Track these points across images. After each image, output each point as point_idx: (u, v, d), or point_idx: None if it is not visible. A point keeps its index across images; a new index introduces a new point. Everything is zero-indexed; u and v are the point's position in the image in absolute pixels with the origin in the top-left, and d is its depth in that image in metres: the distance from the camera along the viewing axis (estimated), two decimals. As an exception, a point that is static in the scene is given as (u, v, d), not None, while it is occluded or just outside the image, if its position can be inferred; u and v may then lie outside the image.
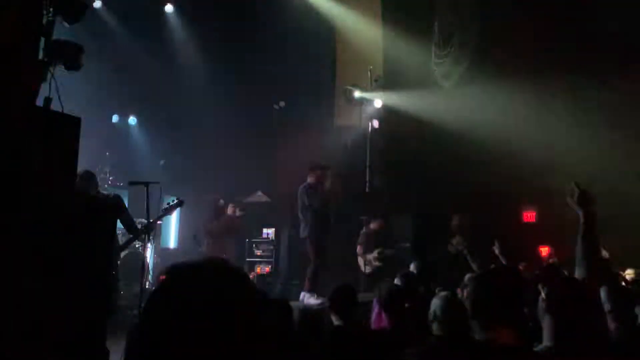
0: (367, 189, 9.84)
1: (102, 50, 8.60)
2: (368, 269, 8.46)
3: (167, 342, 0.91)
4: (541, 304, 2.41)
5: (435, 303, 3.19)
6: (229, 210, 8.04)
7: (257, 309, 1.00)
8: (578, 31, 9.79)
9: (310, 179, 6.91)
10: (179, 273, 0.97)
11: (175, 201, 6.00)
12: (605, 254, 5.21)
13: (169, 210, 6.00)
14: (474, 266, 5.79)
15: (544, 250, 8.79)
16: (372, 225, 8.76)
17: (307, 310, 3.42)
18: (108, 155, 9.64)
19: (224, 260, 1.02)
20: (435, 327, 3.13)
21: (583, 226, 2.76)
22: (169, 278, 0.98)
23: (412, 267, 5.24)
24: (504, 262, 6.09)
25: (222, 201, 8.14)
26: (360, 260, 8.54)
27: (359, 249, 8.50)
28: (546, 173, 10.32)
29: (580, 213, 2.83)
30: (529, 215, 10.49)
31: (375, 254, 8.36)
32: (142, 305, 0.95)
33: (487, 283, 2.19)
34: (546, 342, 2.27)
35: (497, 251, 6.42)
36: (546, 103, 10.14)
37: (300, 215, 6.81)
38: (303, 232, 6.75)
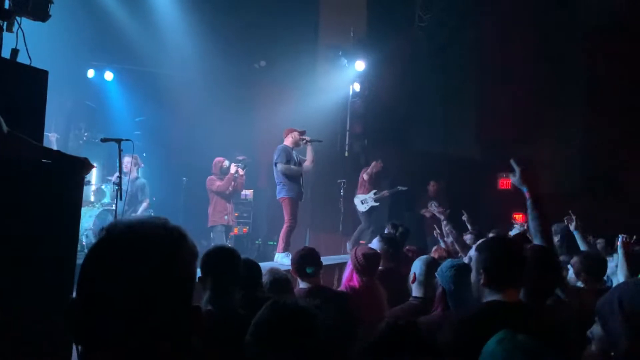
0: (346, 153, 9.86)
1: (79, 4, 8.29)
2: (363, 208, 8.78)
3: (99, 308, 0.93)
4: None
5: (416, 265, 3.24)
6: (232, 170, 8.03)
7: (192, 272, 1.02)
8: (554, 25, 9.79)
9: (286, 142, 6.88)
10: (115, 235, 0.98)
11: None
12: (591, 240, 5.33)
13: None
14: (446, 229, 5.85)
15: (518, 217, 8.96)
16: (371, 168, 8.96)
17: (275, 271, 3.43)
18: (83, 110, 9.43)
19: (164, 222, 1.02)
20: (415, 288, 3.19)
21: (530, 205, 2.80)
22: (104, 240, 0.99)
23: (387, 229, 5.29)
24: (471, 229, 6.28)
25: (226, 162, 8.13)
26: (357, 200, 8.78)
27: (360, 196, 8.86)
28: (524, 140, 10.47)
29: (525, 191, 2.86)
30: (505, 183, 10.65)
31: (371, 194, 8.77)
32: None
33: (500, 251, 2.28)
34: None
35: (466, 220, 6.64)
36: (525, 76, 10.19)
37: (275, 177, 6.80)
38: (279, 193, 6.76)
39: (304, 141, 6.89)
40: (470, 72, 10.70)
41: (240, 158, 8.37)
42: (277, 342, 1.57)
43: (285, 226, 6.64)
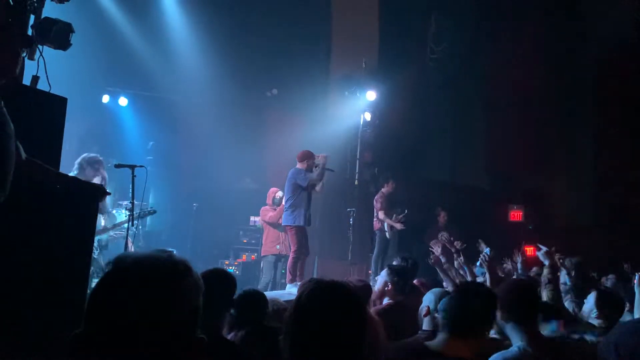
0: (356, 182, 9.86)
1: (95, 31, 8.49)
2: (389, 234, 8.56)
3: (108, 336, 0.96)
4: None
5: (429, 298, 3.21)
6: (284, 201, 8.11)
7: (196, 304, 1.05)
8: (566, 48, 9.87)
9: (300, 166, 6.93)
10: (121, 268, 1.03)
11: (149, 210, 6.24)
12: None
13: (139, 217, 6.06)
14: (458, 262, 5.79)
15: (529, 250, 8.87)
16: (385, 189, 8.78)
17: (274, 302, 3.41)
18: (97, 135, 9.55)
19: (169, 255, 1.06)
20: (426, 322, 3.15)
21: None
22: (112, 273, 1.03)
23: (396, 261, 5.25)
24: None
25: (280, 193, 8.20)
26: (387, 226, 8.55)
27: (380, 214, 8.54)
28: (534, 172, 10.46)
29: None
30: (516, 215, 10.59)
31: (401, 217, 8.45)
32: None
33: (461, 297, 2.34)
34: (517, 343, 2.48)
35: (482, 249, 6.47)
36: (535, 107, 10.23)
37: (285, 201, 6.83)
38: (286, 220, 6.73)
39: (317, 166, 6.90)
40: (480, 103, 10.77)
41: None
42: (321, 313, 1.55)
43: (291, 256, 6.62)
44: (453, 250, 5.64)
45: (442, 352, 2.20)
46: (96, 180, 5.32)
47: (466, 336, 2.24)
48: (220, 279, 2.72)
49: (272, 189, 8.42)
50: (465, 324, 2.25)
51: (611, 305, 3.67)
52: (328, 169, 6.96)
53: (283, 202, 8.07)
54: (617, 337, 1.59)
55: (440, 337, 2.27)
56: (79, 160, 5.54)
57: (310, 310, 1.57)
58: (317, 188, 6.96)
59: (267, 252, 8.13)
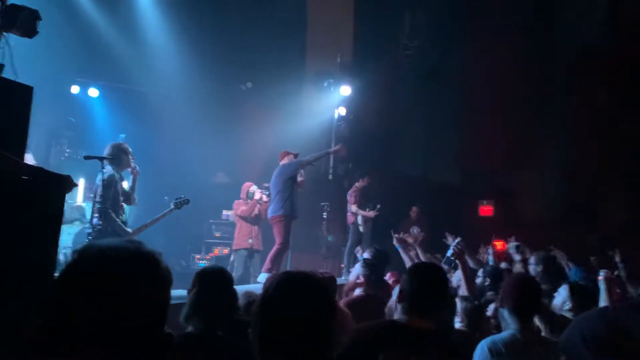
0: (330, 176, 9.89)
1: (65, 19, 8.30)
2: (363, 228, 8.64)
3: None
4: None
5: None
6: (256, 196, 8.08)
7: (164, 298, 1.02)
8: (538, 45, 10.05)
9: (282, 162, 7.07)
10: (86, 259, 0.98)
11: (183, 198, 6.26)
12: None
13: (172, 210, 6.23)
14: (423, 257, 5.87)
15: (499, 244, 9.03)
16: (360, 183, 8.85)
17: (250, 294, 3.40)
18: (66, 126, 9.36)
19: (136, 247, 1.02)
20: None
21: None
22: (74, 264, 0.98)
23: (367, 255, 5.27)
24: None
25: (253, 187, 8.22)
26: (360, 219, 8.60)
27: (354, 207, 8.63)
28: (506, 169, 10.64)
29: None
30: (486, 210, 10.77)
31: (376, 210, 8.62)
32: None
33: (414, 276, 2.48)
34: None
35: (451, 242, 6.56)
36: (507, 105, 10.39)
37: (273, 193, 6.85)
38: (276, 211, 6.73)
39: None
40: (453, 100, 10.88)
41: (266, 185, 8.38)
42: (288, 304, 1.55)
43: (276, 247, 6.64)
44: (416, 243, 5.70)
45: (408, 326, 2.31)
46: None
47: (424, 313, 2.35)
48: (218, 278, 2.73)
49: (247, 183, 8.40)
50: (421, 301, 2.36)
51: (585, 297, 3.77)
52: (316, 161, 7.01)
53: (257, 197, 8.05)
54: (583, 323, 1.64)
55: (402, 316, 2.37)
56: (109, 151, 5.35)
57: (278, 301, 1.56)
58: (299, 179, 7.00)
59: (240, 245, 8.10)
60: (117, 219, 5.09)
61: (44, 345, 0.93)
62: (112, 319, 0.93)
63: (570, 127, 10.36)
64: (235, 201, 8.40)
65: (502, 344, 2.62)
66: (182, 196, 6.43)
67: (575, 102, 10.09)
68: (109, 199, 5.04)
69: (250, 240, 8.06)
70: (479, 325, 3.44)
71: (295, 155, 7.18)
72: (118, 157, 5.32)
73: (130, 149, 5.60)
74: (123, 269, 0.96)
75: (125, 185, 5.67)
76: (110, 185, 5.06)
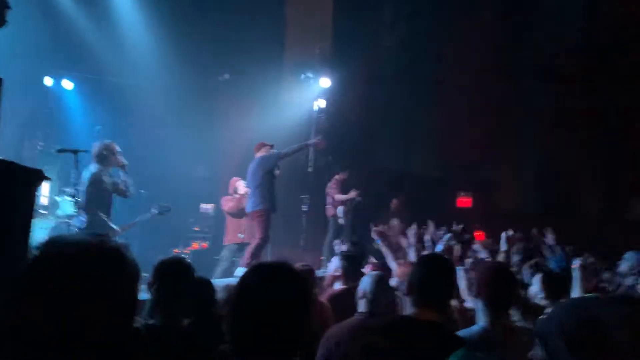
0: (310, 168, 9.86)
1: (36, 9, 8.09)
2: (342, 220, 8.71)
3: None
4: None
5: (365, 281, 3.25)
6: (241, 190, 7.98)
7: (131, 293, 0.99)
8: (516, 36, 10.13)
9: (261, 154, 6.96)
10: (47, 254, 0.95)
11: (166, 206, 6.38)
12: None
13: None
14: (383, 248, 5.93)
15: (478, 235, 9.13)
16: (339, 176, 8.92)
17: (232, 287, 3.35)
18: (39, 119, 9.15)
19: (101, 240, 0.99)
20: (363, 304, 3.18)
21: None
22: (37, 260, 0.95)
23: (346, 247, 5.29)
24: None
25: (239, 182, 8.08)
26: (340, 211, 8.59)
27: (337, 196, 8.70)
28: (484, 162, 10.74)
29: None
30: (464, 201, 10.87)
31: (357, 194, 8.78)
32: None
33: (422, 267, 2.46)
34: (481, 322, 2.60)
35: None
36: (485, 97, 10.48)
37: (253, 187, 6.77)
38: (256, 205, 6.65)
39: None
40: (432, 93, 10.93)
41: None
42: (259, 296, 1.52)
43: (256, 242, 6.57)
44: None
45: (416, 318, 2.31)
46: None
47: (433, 305, 2.34)
48: (177, 268, 2.65)
49: (234, 179, 8.30)
50: (430, 293, 2.35)
51: (556, 286, 3.82)
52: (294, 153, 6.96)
53: (242, 192, 7.98)
54: (560, 314, 1.64)
55: (410, 308, 2.36)
56: (97, 150, 5.34)
57: (252, 291, 1.55)
58: (276, 172, 6.94)
59: (231, 241, 8.06)
60: (105, 218, 5.04)
61: (8, 345, 0.90)
62: (75, 315, 0.90)
63: (548, 118, 10.50)
64: (223, 197, 8.33)
65: (474, 339, 2.55)
66: (166, 204, 6.67)
67: (552, 92, 10.22)
68: (94, 198, 4.99)
69: (241, 235, 8.01)
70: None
71: (271, 147, 7.06)
72: (105, 157, 5.26)
73: (118, 148, 5.52)
74: (85, 265, 0.93)
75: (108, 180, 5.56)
76: (95, 183, 5.00)
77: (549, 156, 10.47)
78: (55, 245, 0.96)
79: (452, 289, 2.51)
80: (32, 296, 0.91)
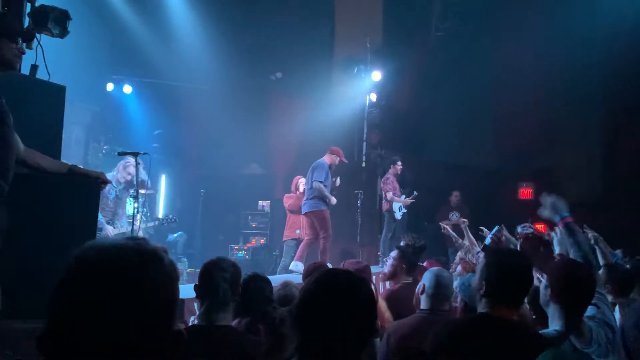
0: (363, 164, 9.81)
1: (97, 18, 8.44)
2: (399, 215, 8.63)
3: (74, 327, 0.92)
4: (543, 291, 2.48)
5: (426, 277, 3.18)
6: (300, 188, 8.18)
7: (169, 295, 0.99)
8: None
9: (327, 159, 7.16)
10: (83, 261, 0.96)
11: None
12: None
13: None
14: (466, 242, 5.78)
15: (540, 228, 8.79)
16: (393, 170, 8.82)
17: (287, 284, 3.39)
18: (102, 124, 9.55)
19: (138, 244, 1.00)
20: (423, 300, 3.12)
21: (565, 232, 2.83)
22: (73, 267, 0.96)
23: (403, 242, 5.19)
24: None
25: (301, 180, 8.20)
26: (395, 206, 8.57)
27: (388, 195, 8.59)
28: (544, 150, 10.32)
29: (558, 220, 2.90)
30: (526, 192, 10.50)
31: (412, 197, 8.71)
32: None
33: (501, 265, 2.31)
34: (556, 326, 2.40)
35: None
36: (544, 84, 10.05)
37: (308, 190, 7.01)
38: (314, 207, 6.93)
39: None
40: (487, 81, 10.57)
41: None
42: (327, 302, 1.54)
43: (323, 242, 6.73)
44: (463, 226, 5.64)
45: (495, 318, 2.23)
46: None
47: (509, 303, 2.26)
48: (224, 269, 2.66)
49: (297, 177, 8.44)
50: (506, 290, 2.26)
51: (621, 281, 3.63)
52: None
53: (299, 190, 8.08)
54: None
55: (483, 306, 2.27)
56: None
57: (316, 301, 1.56)
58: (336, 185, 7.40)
59: (289, 236, 8.23)
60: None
61: (51, 352, 0.93)
62: (117, 322, 0.92)
63: (611, 103, 9.96)
64: (285, 194, 8.51)
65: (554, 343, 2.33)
66: (171, 216, 7.28)
67: (615, 77, 9.67)
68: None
69: (298, 232, 8.14)
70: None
71: (339, 155, 7.23)
72: None
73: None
74: (122, 269, 0.95)
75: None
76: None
77: (612, 141, 9.93)
78: (92, 251, 0.97)
79: (529, 287, 2.34)
80: (70, 301, 0.93)
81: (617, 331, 1.87)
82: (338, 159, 7.23)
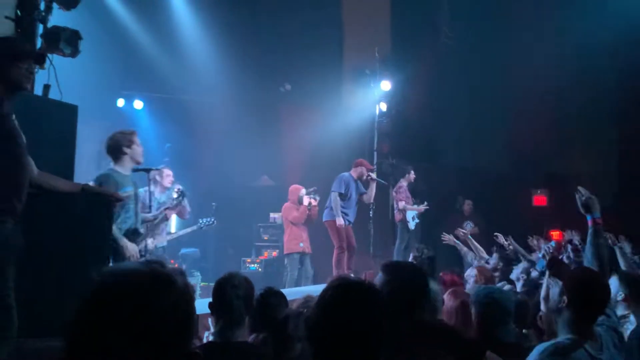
0: (374, 174, 9.75)
1: (106, 36, 8.52)
2: (413, 225, 8.64)
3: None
4: (557, 298, 2.47)
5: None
6: (305, 202, 8.12)
7: (184, 317, 1.03)
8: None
9: (353, 173, 7.34)
10: (101, 286, 1.02)
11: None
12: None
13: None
14: (478, 252, 5.74)
15: (555, 234, 8.68)
16: (405, 179, 8.81)
17: (310, 298, 3.35)
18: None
19: (152, 268, 1.04)
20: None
21: (593, 232, 2.86)
22: (93, 292, 1.01)
23: (412, 254, 5.11)
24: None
25: (303, 191, 8.21)
26: (409, 215, 8.57)
27: (400, 204, 8.59)
28: (557, 155, 10.22)
29: (589, 219, 2.92)
30: (540, 199, 10.39)
31: (424, 205, 8.71)
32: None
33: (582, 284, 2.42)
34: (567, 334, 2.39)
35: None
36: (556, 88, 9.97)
37: (328, 200, 7.20)
38: (326, 216, 7.14)
39: (369, 177, 7.42)
40: (497, 86, 10.51)
41: (311, 190, 8.37)
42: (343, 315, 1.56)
43: (335, 252, 6.86)
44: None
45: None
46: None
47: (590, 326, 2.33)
48: (237, 285, 2.64)
49: (295, 187, 8.31)
50: (591, 314, 2.34)
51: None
52: (379, 181, 7.49)
53: (306, 202, 8.04)
54: None
55: (567, 325, 2.34)
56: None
57: (333, 311, 1.58)
58: (367, 198, 7.54)
59: (291, 250, 8.07)
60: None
61: None
62: (130, 344, 0.96)
63: (624, 107, 9.85)
64: (285, 205, 8.33)
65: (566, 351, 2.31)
66: (211, 219, 7.19)
67: (627, 79, 9.57)
68: None
69: (301, 244, 8.05)
70: None
71: (370, 170, 7.44)
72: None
73: None
74: (136, 295, 0.99)
75: None
76: None
77: (626, 145, 9.80)
78: (108, 276, 1.03)
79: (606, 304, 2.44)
80: (88, 324, 0.98)
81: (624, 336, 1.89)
82: (365, 169, 7.30)
